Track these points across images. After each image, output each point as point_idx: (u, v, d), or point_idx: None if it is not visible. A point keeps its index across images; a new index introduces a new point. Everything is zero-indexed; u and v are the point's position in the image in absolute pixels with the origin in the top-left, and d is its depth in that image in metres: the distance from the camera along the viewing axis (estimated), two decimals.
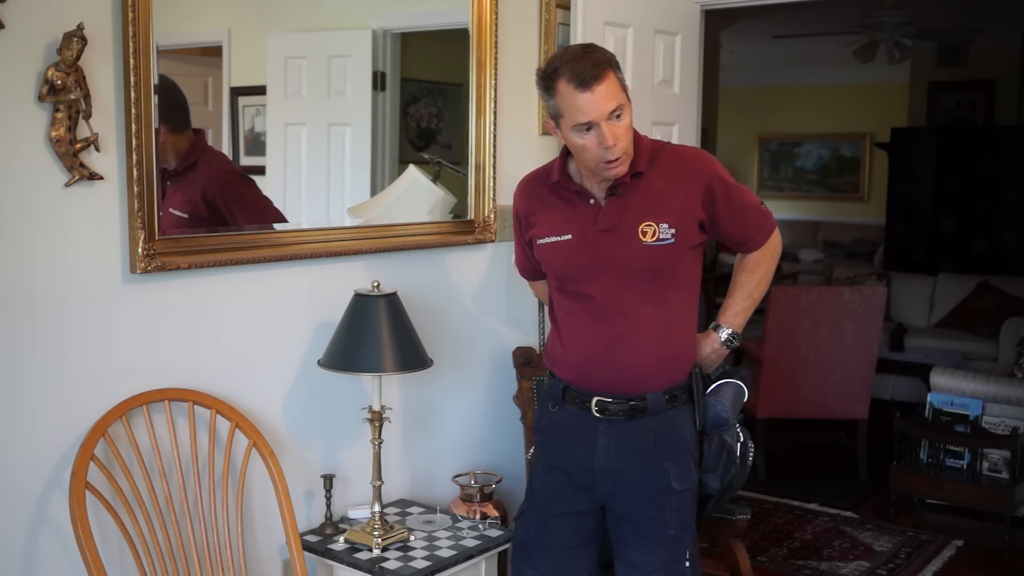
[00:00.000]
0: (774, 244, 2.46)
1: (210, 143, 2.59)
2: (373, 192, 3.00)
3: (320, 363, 2.61)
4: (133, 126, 2.22)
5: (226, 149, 2.64)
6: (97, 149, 2.19)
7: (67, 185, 2.16)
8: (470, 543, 2.69)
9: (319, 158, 2.86)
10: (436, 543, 2.67)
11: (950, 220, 8.41)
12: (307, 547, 2.61)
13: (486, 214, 3.19)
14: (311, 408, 2.75)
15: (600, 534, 2.46)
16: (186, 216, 2.46)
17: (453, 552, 2.62)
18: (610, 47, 3.35)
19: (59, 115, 2.10)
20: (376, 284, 2.62)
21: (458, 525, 2.80)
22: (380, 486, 2.66)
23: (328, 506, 2.71)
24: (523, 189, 2.50)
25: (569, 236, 2.33)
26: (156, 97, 2.26)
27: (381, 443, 2.65)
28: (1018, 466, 4.43)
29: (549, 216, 2.38)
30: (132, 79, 2.21)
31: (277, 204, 2.72)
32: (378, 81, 2.96)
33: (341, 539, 2.65)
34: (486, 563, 2.73)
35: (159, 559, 2.28)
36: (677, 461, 2.34)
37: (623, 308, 2.29)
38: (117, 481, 2.23)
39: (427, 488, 3.12)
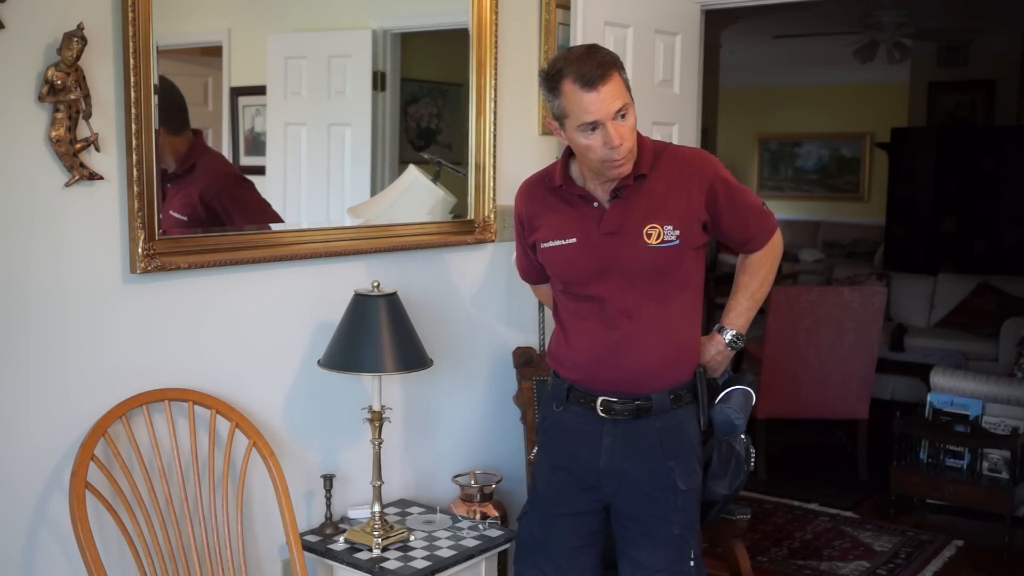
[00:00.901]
0: (775, 245, 2.46)
1: (210, 143, 2.59)
2: (373, 192, 3.00)
3: (320, 363, 2.61)
4: (133, 126, 2.22)
5: (226, 149, 2.64)
6: (97, 149, 2.19)
7: (67, 185, 2.16)
8: (470, 543, 2.69)
9: (319, 158, 2.86)
10: (436, 543, 2.67)
11: (950, 220, 8.41)
12: (307, 547, 2.61)
13: (486, 214, 3.19)
14: (311, 408, 2.75)
15: (604, 534, 2.46)
16: (185, 219, 2.46)
17: (453, 552, 2.62)
18: (610, 47, 3.34)
19: (59, 115, 2.10)
20: (376, 284, 2.62)
21: (458, 525, 2.80)
22: (380, 486, 2.66)
23: (328, 506, 2.71)
24: (525, 193, 2.49)
25: (573, 239, 2.32)
26: (156, 97, 2.26)
27: (381, 443, 2.65)
28: (1018, 466, 4.43)
29: (552, 219, 2.37)
30: (132, 79, 2.21)
31: (277, 204, 2.72)
32: (378, 81, 2.96)
33: (341, 539, 2.65)
34: (486, 563, 2.73)
35: (159, 559, 2.28)
36: (682, 460, 2.35)
37: (628, 309, 2.29)
38: (117, 481, 2.23)
39: (427, 488, 3.12)
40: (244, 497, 2.50)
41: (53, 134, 2.11)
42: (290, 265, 2.64)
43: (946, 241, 8.40)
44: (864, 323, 5.10)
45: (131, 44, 2.20)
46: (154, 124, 2.26)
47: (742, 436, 2.44)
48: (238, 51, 2.61)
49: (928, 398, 4.81)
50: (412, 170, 3.08)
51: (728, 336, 2.45)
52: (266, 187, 2.72)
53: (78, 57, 2.10)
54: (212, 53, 2.58)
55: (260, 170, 2.71)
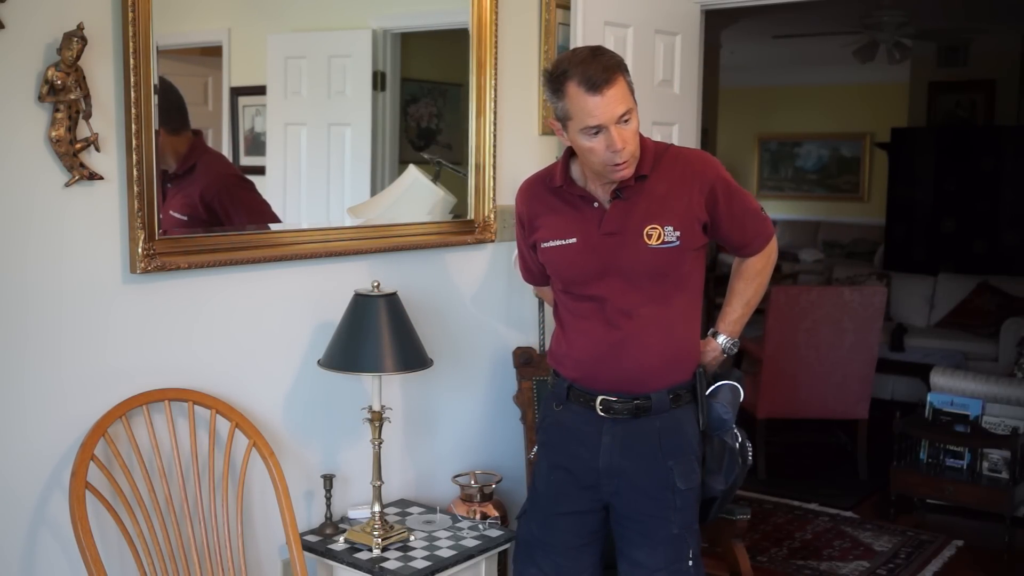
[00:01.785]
0: (771, 250, 2.49)
1: (210, 143, 2.59)
2: (373, 192, 3.00)
3: (320, 363, 2.61)
4: (133, 126, 2.22)
5: (226, 149, 2.64)
6: (97, 149, 2.19)
7: (67, 185, 2.16)
8: (470, 543, 2.69)
9: (319, 158, 2.86)
10: (436, 543, 2.67)
11: (950, 220, 8.41)
12: (307, 547, 2.61)
13: (486, 214, 3.19)
14: (311, 408, 2.75)
15: (603, 533, 2.46)
16: (185, 219, 2.46)
17: (453, 552, 2.62)
18: (610, 47, 3.35)
19: (59, 115, 2.10)
20: (376, 284, 2.62)
21: (458, 525, 2.80)
22: (380, 486, 2.66)
23: (328, 506, 2.71)
24: (525, 193, 2.49)
25: (574, 239, 2.33)
26: (156, 97, 2.26)
27: (381, 443, 2.65)
28: (1018, 466, 4.43)
29: (553, 220, 2.38)
30: (132, 79, 2.21)
31: (277, 204, 2.72)
32: (378, 81, 2.96)
33: (341, 539, 2.65)
34: (486, 563, 2.73)
35: (159, 559, 2.28)
36: (681, 460, 2.35)
37: (628, 309, 2.30)
38: (117, 481, 2.23)
39: (427, 488, 3.12)
40: (244, 497, 2.50)
41: (53, 134, 2.11)
42: (290, 265, 2.64)
43: (946, 241, 8.40)
44: (864, 323, 5.10)
45: (131, 44, 2.20)
46: (154, 124, 2.26)
47: (734, 430, 2.45)
48: (238, 51, 2.61)
49: (928, 398, 4.81)
50: (412, 170, 3.08)
51: (724, 342, 2.48)
52: (266, 187, 2.72)
53: (78, 57, 2.10)
54: (212, 53, 2.58)
55: (260, 170, 2.71)
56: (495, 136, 3.17)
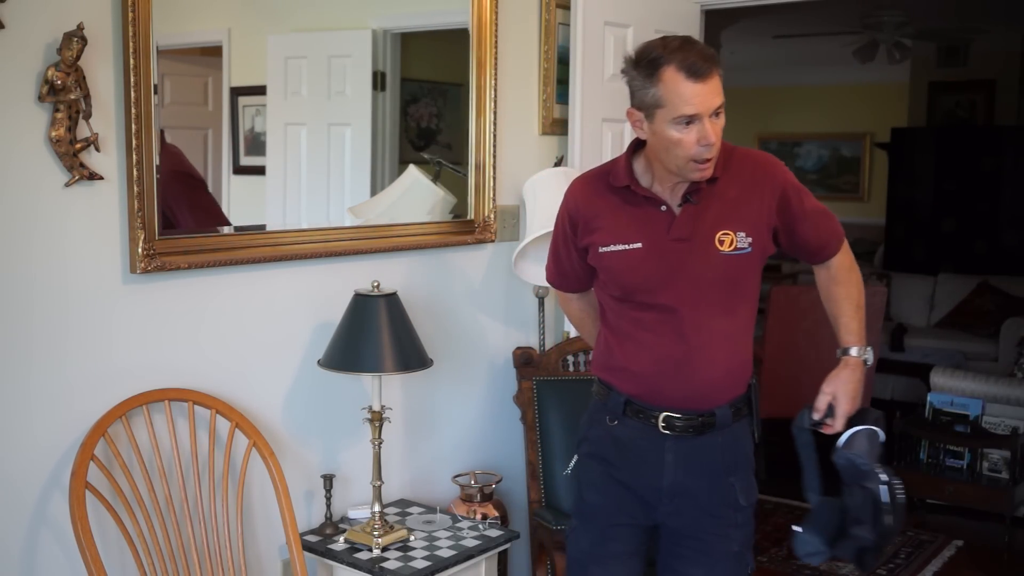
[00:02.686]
0: (847, 247, 2.34)
1: (210, 143, 2.59)
2: (373, 192, 3.00)
3: (320, 363, 2.61)
4: (133, 126, 2.22)
5: (226, 149, 2.64)
6: (97, 149, 2.19)
7: (67, 185, 2.16)
8: (470, 543, 2.69)
9: (319, 158, 2.86)
10: (436, 543, 2.67)
11: (950, 220, 8.40)
12: (307, 547, 2.61)
13: (486, 214, 3.19)
14: (311, 408, 2.75)
15: (647, 546, 2.35)
16: None
17: (453, 552, 2.62)
18: (610, 47, 3.36)
19: (59, 115, 2.10)
20: (376, 284, 2.62)
21: (458, 525, 2.80)
22: (380, 486, 2.66)
23: (328, 506, 2.71)
24: (582, 191, 2.29)
25: (639, 244, 2.17)
26: (156, 97, 2.26)
27: (381, 443, 2.65)
28: (1018, 466, 4.43)
29: (614, 222, 2.20)
30: (132, 79, 2.21)
31: (277, 204, 2.72)
32: (378, 81, 2.96)
33: (341, 539, 2.65)
34: (486, 563, 2.73)
35: (159, 559, 2.28)
36: (741, 476, 2.28)
37: (696, 321, 2.16)
38: (117, 481, 2.23)
39: (427, 488, 3.12)
40: (244, 497, 2.49)
41: (53, 134, 2.11)
42: (290, 265, 2.64)
43: (946, 241, 8.40)
44: (864, 323, 5.09)
45: (131, 44, 2.20)
46: (154, 124, 2.26)
47: (879, 474, 2.14)
48: (238, 51, 2.61)
49: (928, 398, 4.81)
50: (412, 170, 3.08)
51: (860, 353, 2.26)
52: (266, 187, 2.72)
53: (78, 57, 2.10)
54: (212, 53, 2.58)
55: (260, 170, 2.71)
56: (495, 136, 3.17)
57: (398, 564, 2.53)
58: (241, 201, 2.69)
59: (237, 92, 2.62)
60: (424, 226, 3.04)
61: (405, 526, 2.73)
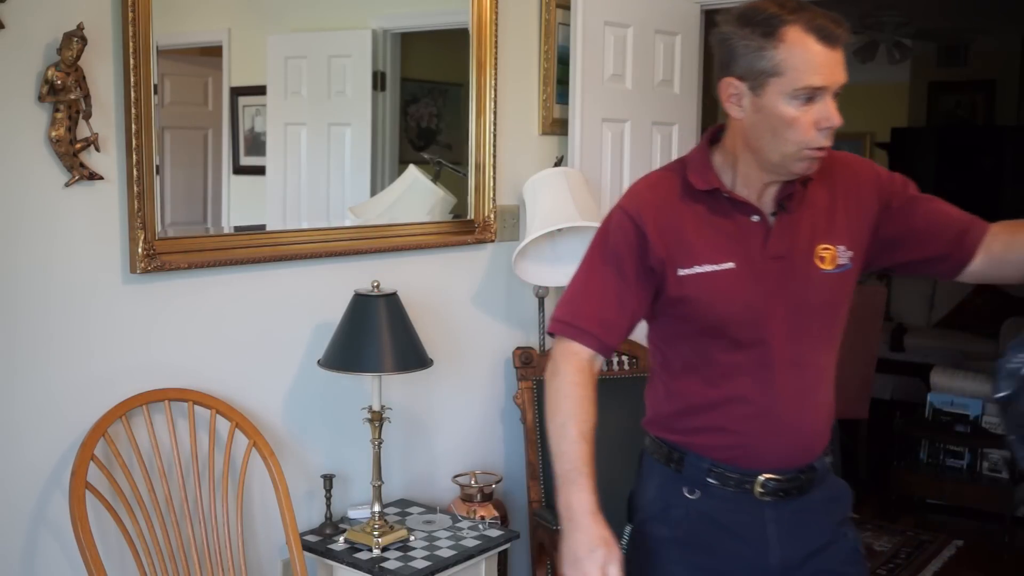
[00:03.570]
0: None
1: (210, 143, 2.59)
2: (373, 192, 3.00)
3: (320, 363, 2.61)
4: (133, 126, 2.22)
5: (226, 149, 2.64)
6: (97, 149, 2.19)
7: (67, 185, 2.16)
8: (470, 543, 2.69)
9: (319, 158, 2.86)
10: (436, 543, 2.67)
11: None
12: (307, 547, 2.61)
13: (486, 214, 3.19)
14: (311, 408, 2.75)
15: None
16: None
17: (453, 552, 2.62)
18: (610, 47, 3.36)
19: (59, 115, 2.10)
20: (376, 284, 2.62)
21: (458, 525, 2.80)
22: (380, 486, 2.66)
23: (328, 506, 2.71)
24: (650, 196, 1.79)
25: (731, 264, 1.73)
26: (156, 97, 2.26)
27: (381, 443, 2.65)
28: (1018, 466, 4.44)
29: (698, 236, 1.74)
30: (132, 79, 2.21)
31: (277, 204, 2.72)
32: (378, 81, 2.97)
33: (341, 539, 2.65)
34: (486, 563, 2.73)
35: (159, 559, 2.28)
36: (848, 522, 1.93)
37: (797, 357, 1.76)
38: (117, 481, 2.23)
39: (427, 488, 3.12)
40: (244, 497, 2.49)
41: (53, 134, 2.11)
42: (290, 265, 2.64)
43: None
44: (864, 323, 5.09)
45: (131, 44, 2.20)
46: (154, 124, 2.26)
47: None
48: (238, 51, 2.61)
49: (928, 398, 4.81)
50: (412, 170, 3.08)
51: None
52: (266, 187, 2.72)
53: (78, 57, 2.10)
54: (212, 53, 2.58)
55: (260, 170, 2.71)
56: (495, 136, 3.17)
57: (398, 564, 2.53)
58: (241, 201, 2.70)
59: (237, 92, 2.62)
60: (424, 226, 3.04)
61: (405, 526, 2.73)
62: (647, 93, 3.49)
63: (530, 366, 3.22)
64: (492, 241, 3.23)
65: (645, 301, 1.77)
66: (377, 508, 2.65)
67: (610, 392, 3.23)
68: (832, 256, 1.76)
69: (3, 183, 2.07)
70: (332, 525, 2.70)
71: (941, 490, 4.59)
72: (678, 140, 3.63)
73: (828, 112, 1.66)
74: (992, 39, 8.26)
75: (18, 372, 2.14)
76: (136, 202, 2.25)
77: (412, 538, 2.67)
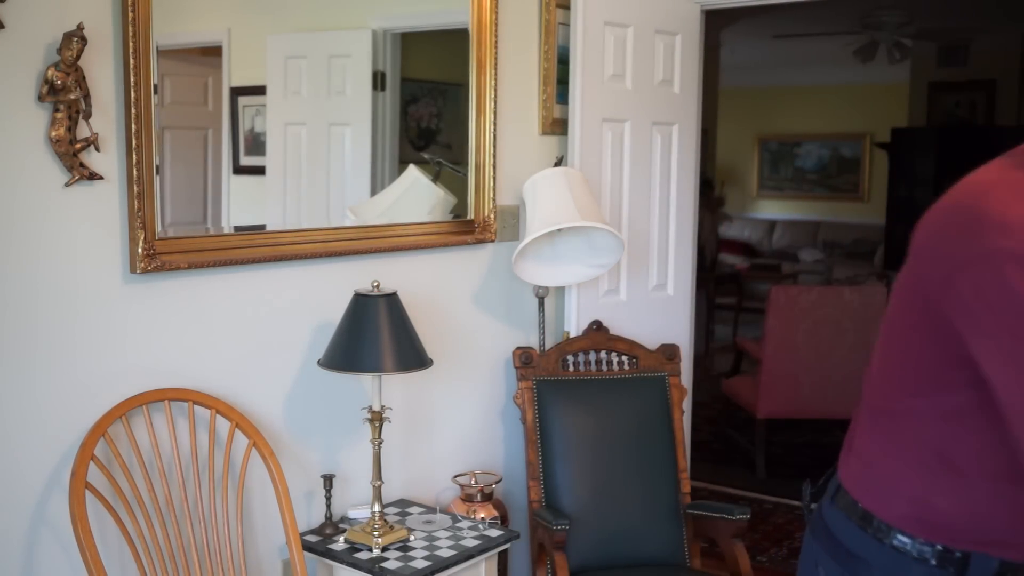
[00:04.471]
0: None
1: (210, 143, 2.59)
2: (373, 192, 3.00)
3: (320, 363, 2.61)
4: (133, 126, 2.22)
5: (226, 149, 2.64)
6: (97, 149, 2.19)
7: (67, 185, 2.16)
8: (470, 543, 2.69)
9: (319, 158, 2.86)
10: (436, 543, 2.67)
11: None
12: (307, 547, 2.61)
13: (486, 214, 3.19)
14: (311, 408, 2.75)
15: None
16: None
17: (453, 552, 2.62)
18: (610, 47, 3.36)
19: (59, 115, 2.11)
20: (376, 284, 2.62)
21: (458, 525, 2.80)
22: (380, 486, 2.66)
23: (328, 506, 2.71)
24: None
25: None
26: (156, 97, 2.26)
27: (381, 443, 2.65)
28: None
29: None
30: (132, 79, 2.21)
31: (276, 204, 2.72)
32: (378, 81, 2.97)
33: (341, 539, 2.65)
34: (486, 563, 2.73)
35: (159, 559, 2.28)
36: None
37: None
38: (117, 481, 2.23)
39: (427, 488, 3.12)
40: (244, 497, 2.50)
41: (53, 134, 2.11)
42: (290, 265, 2.64)
43: None
44: (864, 323, 5.10)
45: (131, 44, 2.20)
46: (154, 124, 2.26)
47: None
48: (238, 51, 2.61)
49: None
50: (412, 170, 3.08)
51: None
52: (266, 187, 2.72)
53: (78, 57, 2.10)
54: (212, 53, 2.58)
55: (260, 170, 2.71)
56: (495, 136, 3.17)
57: (398, 564, 2.53)
58: (241, 201, 2.70)
59: (237, 92, 2.62)
60: (424, 226, 3.04)
61: (405, 526, 2.73)
62: (647, 93, 3.49)
63: (530, 366, 3.22)
64: (492, 241, 3.23)
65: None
66: (377, 508, 2.65)
67: (610, 392, 3.24)
68: None
69: (3, 183, 2.07)
70: (332, 525, 2.70)
71: None
72: (678, 140, 3.63)
73: None
74: (992, 39, 8.27)
75: (18, 372, 2.14)
76: (136, 202, 2.25)
77: (412, 538, 2.68)
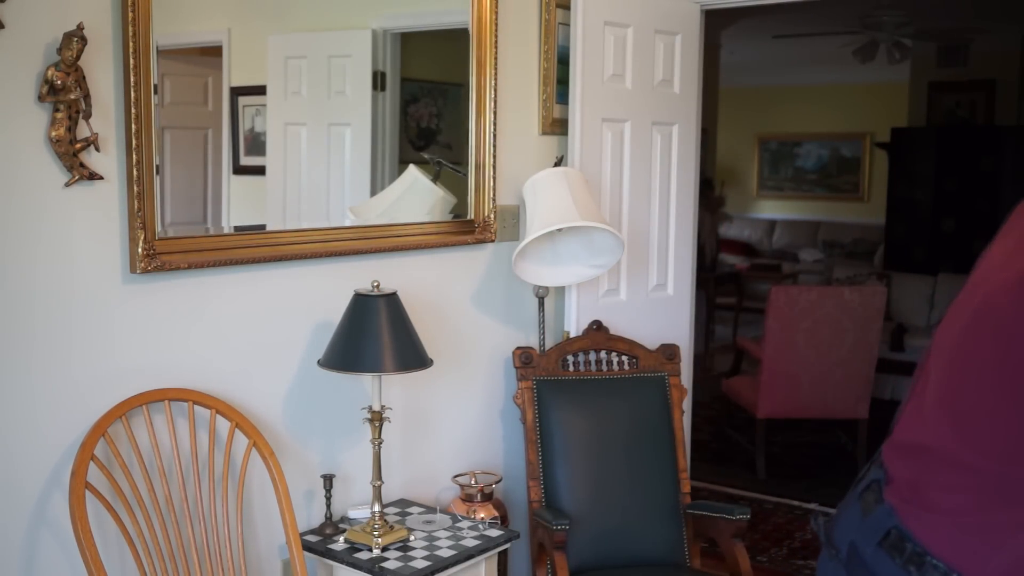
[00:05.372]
0: None
1: (210, 143, 2.59)
2: (373, 192, 3.00)
3: (320, 363, 2.61)
4: (133, 126, 2.22)
5: (226, 149, 2.64)
6: (97, 149, 2.19)
7: (67, 185, 2.16)
8: (470, 543, 2.69)
9: (319, 158, 2.86)
10: (436, 543, 2.67)
11: (950, 220, 8.42)
12: (307, 547, 2.61)
13: (486, 214, 3.19)
14: (311, 408, 2.75)
15: None
16: None
17: (453, 552, 2.62)
18: (610, 47, 3.36)
19: (59, 115, 2.10)
20: (376, 284, 2.62)
21: (458, 525, 2.80)
22: (380, 486, 2.66)
23: (328, 506, 2.71)
24: None
25: None
26: (156, 97, 2.26)
27: (381, 443, 2.65)
28: None
29: None
30: (132, 79, 2.21)
31: (277, 204, 2.72)
32: (378, 81, 2.97)
33: (341, 539, 2.65)
34: (486, 563, 2.73)
35: (159, 559, 2.28)
36: None
37: None
38: (117, 481, 2.23)
39: (427, 488, 3.12)
40: (244, 497, 2.50)
41: (53, 134, 2.11)
42: (290, 265, 2.64)
43: (946, 241, 8.40)
44: (864, 323, 5.10)
45: (131, 44, 2.20)
46: (154, 124, 2.26)
47: None
48: (238, 51, 2.61)
49: None
50: (412, 170, 3.08)
51: None
52: (266, 187, 2.72)
53: (78, 57, 2.10)
54: (212, 53, 2.58)
55: (260, 170, 2.71)
56: (495, 136, 3.17)
57: (398, 564, 2.53)
58: (241, 201, 2.70)
59: (237, 92, 2.62)
60: (424, 226, 3.04)
61: (405, 526, 2.73)
62: (647, 93, 3.49)
63: (530, 366, 3.22)
64: (492, 241, 3.23)
65: None
66: (377, 508, 2.65)
67: (610, 392, 3.24)
68: None
69: (3, 183, 2.07)
70: (332, 525, 2.70)
71: None
72: (678, 140, 3.63)
73: None
74: (992, 39, 8.27)
75: (18, 372, 2.14)
76: (136, 202, 2.25)
77: (412, 538, 2.68)
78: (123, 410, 2.26)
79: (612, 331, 3.35)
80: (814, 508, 4.73)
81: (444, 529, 2.76)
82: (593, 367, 3.31)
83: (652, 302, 3.60)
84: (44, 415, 2.19)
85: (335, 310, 2.68)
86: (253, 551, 2.61)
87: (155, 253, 2.29)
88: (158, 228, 2.30)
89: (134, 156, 2.23)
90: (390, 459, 2.89)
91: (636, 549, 3.07)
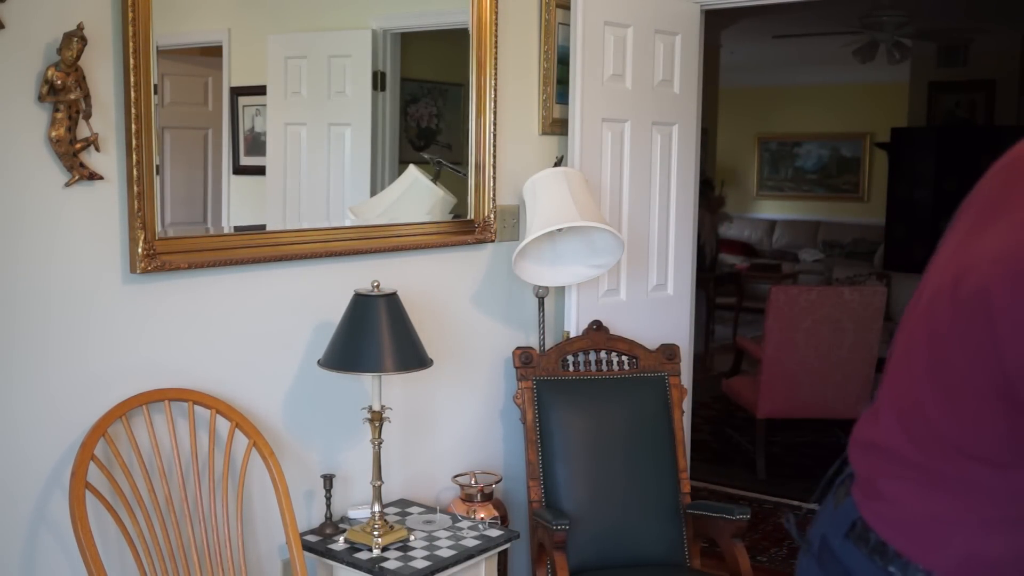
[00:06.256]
0: None
1: (210, 143, 2.59)
2: (373, 192, 3.00)
3: (320, 363, 2.61)
4: (133, 126, 2.22)
5: (226, 149, 2.64)
6: (97, 149, 2.19)
7: (67, 185, 2.16)
8: (470, 543, 2.69)
9: (319, 158, 2.86)
10: (436, 543, 2.67)
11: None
12: (307, 547, 2.61)
13: (486, 214, 3.19)
14: (311, 408, 2.75)
15: None
16: None
17: (453, 552, 2.62)
18: (610, 47, 3.36)
19: (59, 115, 2.10)
20: (376, 284, 2.62)
21: (458, 525, 2.80)
22: (380, 486, 2.66)
23: (328, 506, 2.71)
24: None
25: None
26: (156, 97, 2.26)
27: (381, 443, 2.65)
28: None
29: None
30: (132, 79, 2.21)
31: (277, 204, 2.72)
32: (378, 81, 2.97)
33: (341, 539, 2.65)
34: (486, 563, 2.73)
35: (159, 559, 2.28)
36: None
37: None
38: (117, 481, 2.23)
39: (427, 488, 3.12)
40: (244, 497, 2.50)
41: (53, 134, 2.11)
42: (290, 265, 2.64)
43: None
44: (864, 323, 5.10)
45: (131, 44, 2.20)
46: (154, 124, 2.26)
47: None
48: (238, 51, 2.61)
49: None
50: (412, 170, 3.08)
51: None
52: (266, 187, 2.72)
53: (78, 57, 2.10)
54: (212, 53, 2.58)
55: (260, 170, 2.71)
56: (495, 136, 3.17)
57: (398, 564, 2.53)
58: (241, 201, 2.70)
59: (237, 92, 2.62)
60: (424, 226, 3.05)
61: (405, 526, 2.73)
62: (647, 93, 3.50)
63: (530, 366, 3.22)
64: (492, 241, 3.23)
65: None
66: (377, 508, 2.65)
67: (610, 392, 3.24)
68: None
69: (3, 183, 2.07)
70: (332, 525, 2.70)
71: None
72: (678, 140, 3.63)
73: None
74: (992, 39, 8.27)
75: (18, 372, 2.14)
76: (136, 202, 2.25)
77: (412, 538, 2.68)
78: (123, 410, 2.26)
79: (612, 331, 3.35)
80: (815, 508, 4.73)
81: (444, 529, 2.76)
82: (593, 367, 3.31)
83: (652, 302, 3.60)
84: (44, 415, 2.19)
85: (335, 310, 2.68)
86: (253, 551, 2.61)
87: (155, 253, 2.29)
88: (158, 228, 2.30)
89: (134, 156, 2.23)
90: (390, 459, 2.89)
91: (636, 549, 3.07)
